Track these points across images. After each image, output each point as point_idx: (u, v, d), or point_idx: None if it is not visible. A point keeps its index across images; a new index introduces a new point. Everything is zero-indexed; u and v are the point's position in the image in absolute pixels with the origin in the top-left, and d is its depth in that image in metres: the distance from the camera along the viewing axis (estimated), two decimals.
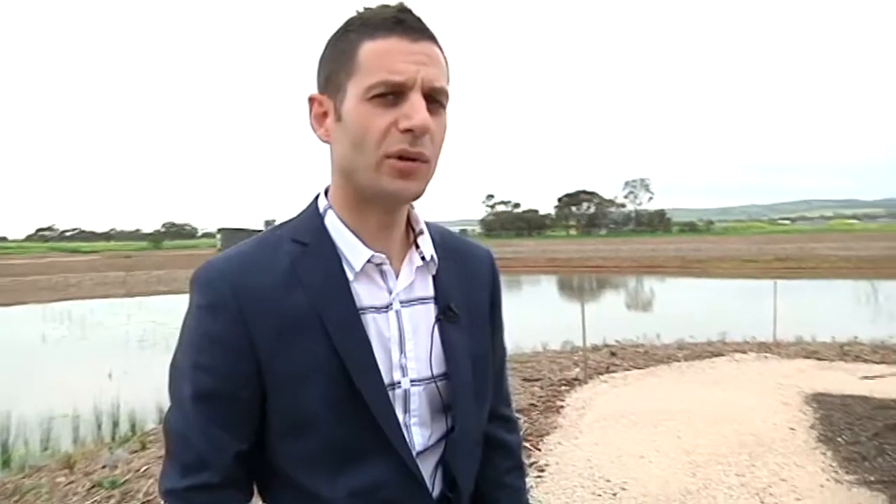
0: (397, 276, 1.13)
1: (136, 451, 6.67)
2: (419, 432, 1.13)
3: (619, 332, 13.00)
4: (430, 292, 1.17)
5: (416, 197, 1.08)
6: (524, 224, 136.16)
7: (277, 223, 1.18)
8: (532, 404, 7.36)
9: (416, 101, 1.00)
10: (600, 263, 50.54)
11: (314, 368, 1.03)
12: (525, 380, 8.65)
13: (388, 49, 1.00)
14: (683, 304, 25.32)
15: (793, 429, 6.14)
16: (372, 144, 1.01)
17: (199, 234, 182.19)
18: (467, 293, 1.22)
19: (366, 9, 1.05)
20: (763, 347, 10.58)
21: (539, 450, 5.85)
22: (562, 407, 7.29)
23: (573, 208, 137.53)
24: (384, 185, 1.03)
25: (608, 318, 16.69)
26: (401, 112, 1.00)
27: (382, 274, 1.12)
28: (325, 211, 1.11)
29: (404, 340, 1.11)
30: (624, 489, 4.92)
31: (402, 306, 1.13)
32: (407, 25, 1.02)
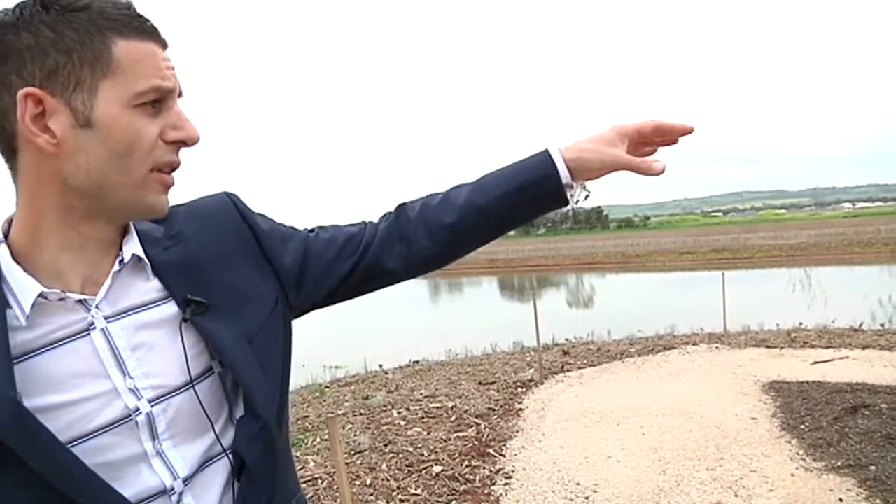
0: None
1: None
2: (178, 455, 0.97)
3: (567, 330, 12.99)
4: (156, 294, 0.99)
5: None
6: None
7: None
8: (490, 408, 7.22)
9: (182, 112, 0.94)
10: (540, 262, 50.90)
11: None
12: (480, 383, 8.51)
13: (152, 53, 0.90)
14: (628, 299, 25.60)
15: (755, 418, 6.12)
16: (142, 156, 0.90)
17: None
18: (218, 267, 1.06)
19: (91, 3, 0.87)
20: (713, 338, 10.63)
21: (503, 455, 5.70)
22: (521, 409, 7.16)
23: None
24: (150, 201, 0.93)
25: (555, 316, 16.69)
26: (165, 122, 0.92)
27: (81, 301, 0.92)
28: None
29: (122, 360, 0.93)
30: (595, 491, 4.80)
31: (110, 321, 0.94)
32: (156, 31, 0.92)
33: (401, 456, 5.80)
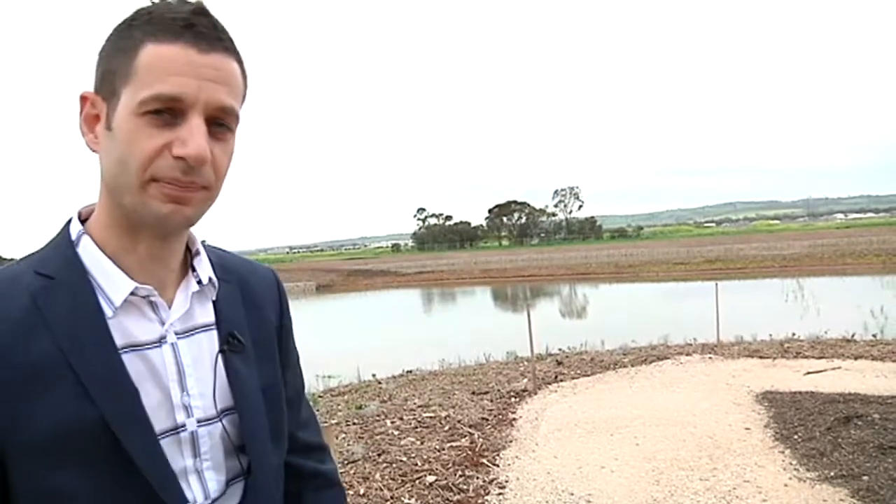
0: (171, 307, 0.99)
1: None
2: (213, 477, 0.99)
3: (561, 340, 12.98)
4: (212, 319, 1.04)
5: (190, 224, 0.94)
6: (456, 236, 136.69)
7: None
8: (483, 418, 7.21)
9: (195, 126, 0.87)
10: (534, 272, 50.92)
11: (68, 429, 0.84)
12: (474, 393, 8.50)
13: (171, 57, 0.86)
14: (621, 309, 25.61)
15: (748, 428, 6.13)
16: (137, 165, 0.86)
17: None
18: (252, 318, 1.10)
19: (159, 1, 0.90)
20: (707, 348, 10.65)
21: (497, 465, 5.69)
22: (514, 419, 7.15)
23: (504, 219, 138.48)
24: (152, 209, 0.89)
25: (548, 326, 16.68)
26: (177, 135, 0.86)
27: (153, 305, 0.96)
28: (80, 237, 0.94)
29: (184, 376, 0.97)
30: (589, 502, 4.79)
31: (179, 338, 0.98)
32: (198, 31, 0.87)
33: (394, 465, 5.78)
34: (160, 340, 0.95)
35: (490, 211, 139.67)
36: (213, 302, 1.05)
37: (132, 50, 0.87)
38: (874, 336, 11.59)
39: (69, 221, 0.97)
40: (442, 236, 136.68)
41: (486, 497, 5.04)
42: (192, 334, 1.00)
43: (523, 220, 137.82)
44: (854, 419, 6.01)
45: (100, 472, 0.86)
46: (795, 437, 5.80)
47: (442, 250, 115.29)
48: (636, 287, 36.72)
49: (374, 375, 11.10)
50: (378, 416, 7.66)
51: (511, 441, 6.36)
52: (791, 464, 5.22)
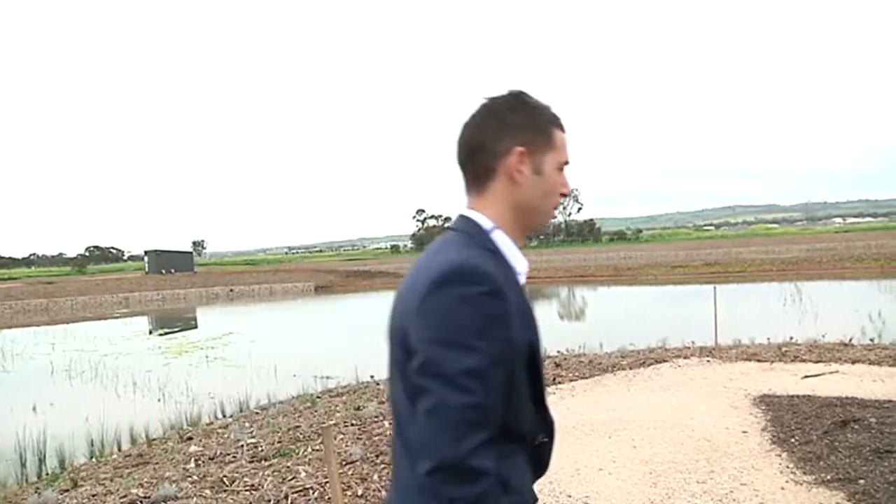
0: None
1: (66, 491, 6.26)
2: None
3: (559, 343, 12.96)
4: None
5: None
6: None
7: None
8: None
9: (567, 176, 1.56)
10: (533, 275, 50.64)
11: (524, 344, 1.39)
12: None
13: (565, 140, 1.55)
14: (620, 312, 25.62)
15: (745, 432, 6.14)
16: (555, 196, 1.54)
17: (126, 256, 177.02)
18: None
19: (543, 105, 1.53)
20: (705, 352, 10.65)
21: None
22: None
23: None
24: (549, 218, 1.58)
25: (546, 328, 16.42)
26: (563, 180, 1.55)
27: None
28: (493, 229, 1.47)
29: None
30: None
31: None
32: (563, 126, 1.55)
33: (392, 467, 5.78)
34: None
35: None
36: None
37: (550, 132, 1.51)
38: (872, 340, 11.62)
39: (467, 216, 1.49)
40: None
41: None
42: None
43: None
44: (851, 423, 6.01)
45: (532, 371, 1.42)
46: (792, 440, 5.81)
47: None
48: (635, 290, 36.70)
49: (372, 377, 11.11)
50: (376, 417, 7.67)
51: None
52: (788, 467, 5.22)
